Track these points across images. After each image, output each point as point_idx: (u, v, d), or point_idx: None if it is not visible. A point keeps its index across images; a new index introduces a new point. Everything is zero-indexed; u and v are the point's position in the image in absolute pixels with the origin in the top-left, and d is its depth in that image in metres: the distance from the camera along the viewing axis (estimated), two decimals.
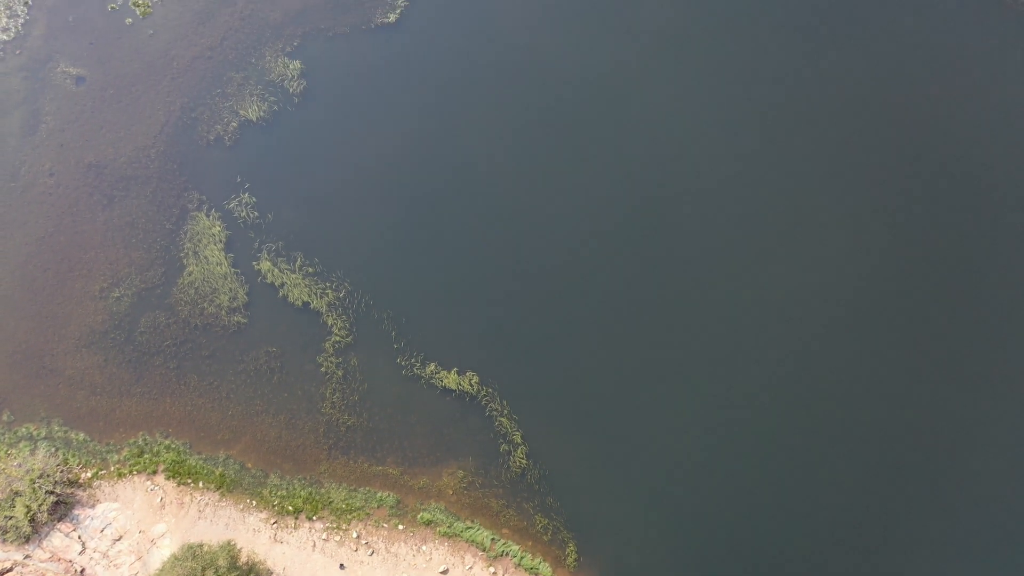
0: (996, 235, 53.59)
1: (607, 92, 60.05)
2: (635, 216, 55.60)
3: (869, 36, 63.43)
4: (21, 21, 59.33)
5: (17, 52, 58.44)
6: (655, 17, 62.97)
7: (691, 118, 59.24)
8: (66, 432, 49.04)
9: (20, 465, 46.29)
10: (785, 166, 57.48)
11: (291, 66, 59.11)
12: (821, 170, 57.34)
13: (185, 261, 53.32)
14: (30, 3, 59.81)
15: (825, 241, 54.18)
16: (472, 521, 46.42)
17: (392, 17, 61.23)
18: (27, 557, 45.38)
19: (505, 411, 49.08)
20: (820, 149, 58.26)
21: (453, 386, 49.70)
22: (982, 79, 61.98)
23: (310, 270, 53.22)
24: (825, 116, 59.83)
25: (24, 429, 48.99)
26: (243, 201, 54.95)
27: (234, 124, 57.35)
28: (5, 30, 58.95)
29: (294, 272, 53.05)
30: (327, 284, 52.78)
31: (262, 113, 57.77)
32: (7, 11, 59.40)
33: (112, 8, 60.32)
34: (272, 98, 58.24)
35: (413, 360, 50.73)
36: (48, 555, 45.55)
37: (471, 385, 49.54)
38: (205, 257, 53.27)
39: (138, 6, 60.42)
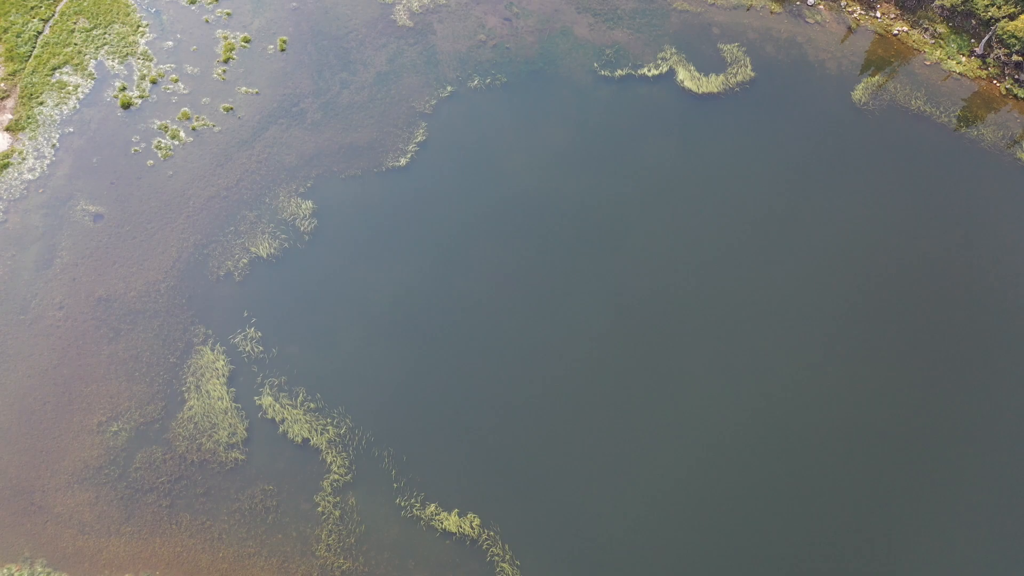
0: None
1: (606, 232, 61.68)
2: (637, 355, 55.80)
3: (866, 180, 65.87)
4: (47, 162, 61.88)
5: (40, 191, 60.61)
6: (654, 159, 65.65)
7: (689, 256, 60.63)
8: (49, 574, 46.99)
9: None
10: (781, 305, 58.24)
11: (303, 206, 61.05)
12: (821, 319, 58.06)
13: (186, 395, 52.94)
14: (57, 145, 62.61)
15: (825, 387, 54.02)
16: None
17: (403, 161, 63.83)
18: None
19: (507, 556, 47.16)
20: (819, 295, 59.24)
21: (453, 528, 48.03)
22: (979, 225, 63.76)
23: (312, 406, 52.71)
24: (822, 256, 61.17)
25: (5, 570, 46.99)
26: (248, 336, 55.23)
27: (244, 260, 58.53)
28: (31, 170, 61.40)
29: (295, 407, 52.52)
30: (328, 420, 52.12)
31: (272, 250, 59.09)
32: (35, 152, 62.12)
33: (135, 151, 63.06)
34: (283, 236, 59.76)
35: (413, 500, 49.30)
36: None
37: (472, 528, 47.87)
38: (207, 391, 52.92)
39: (160, 149, 63.19)
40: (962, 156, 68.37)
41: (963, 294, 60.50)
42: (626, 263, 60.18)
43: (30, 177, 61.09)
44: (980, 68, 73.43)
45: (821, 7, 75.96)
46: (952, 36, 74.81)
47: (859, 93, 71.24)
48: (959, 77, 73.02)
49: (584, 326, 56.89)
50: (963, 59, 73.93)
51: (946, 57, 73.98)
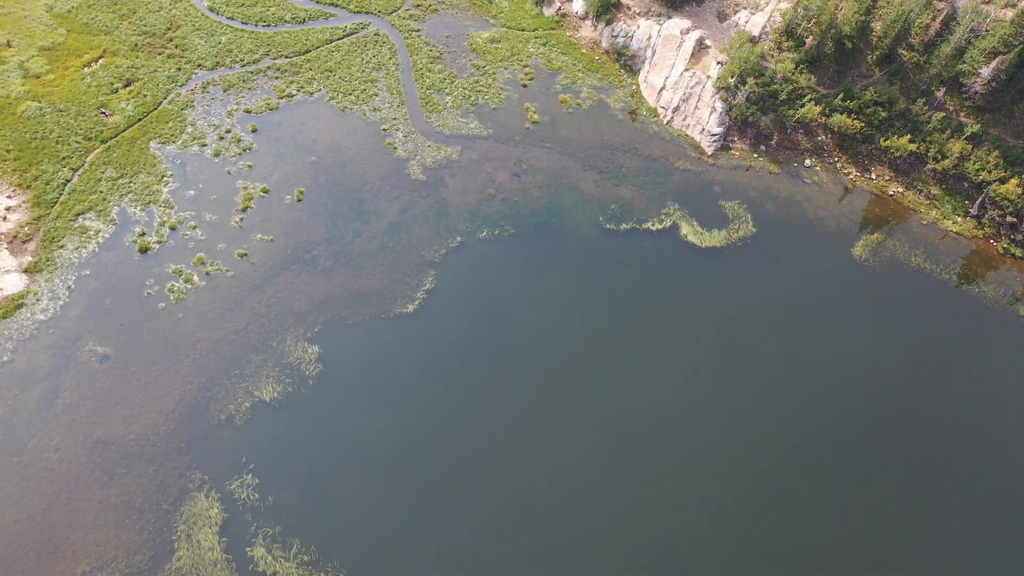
0: None
1: (611, 382, 61.28)
2: (640, 504, 53.97)
3: (871, 334, 65.93)
4: (61, 303, 62.80)
5: (50, 331, 61.13)
6: (659, 310, 66.18)
7: (696, 408, 59.92)
8: None
9: None
10: (778, 458, 56.89)
11: (309, 351, 61.21)
12: (820, 474, 56.66)
13: (176, 544, 50.90)
14: (73, 287, 63.77)
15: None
16: None
17: (411, 308, 64.56)
18: None
19: None
20: (820, 450, 58.05)
21: None
22: (987, 381, 63.19)
23: (305, 559, 50.49)
24: (828, 410, 60.35)
25: None
26: (245, 482, 53.80)
27: (247, 404, 58.00)
28: (44, 311, 62.24)
29: (288, 560, 50.29)
30: (322, 574, 49.76)
31: (276, 394, 58.68)
32: (50, 293, 63.19)
33: (148, 294, 64.10)
34: (288, 380, 59.52)
35: None
36: None
37: None
38: (197, 541, 50.92)
39: (172, 292, 64.24)
40: (966, 313, 68.88)
41: (971, 453, 59.16)
42: (630, 415, 59.39)
43: (42, 317, 61.79)
44: (976, 228, 75.34)
45: (818, 169, 79.08)
46: (946, 197, 77.31)
47: (859, 250, 72.79)
48: (956, 236, 74.80)
49: (588, 476, 55.40)
50: (959, 219, 76.01)
51: (942, 217, 76.14)
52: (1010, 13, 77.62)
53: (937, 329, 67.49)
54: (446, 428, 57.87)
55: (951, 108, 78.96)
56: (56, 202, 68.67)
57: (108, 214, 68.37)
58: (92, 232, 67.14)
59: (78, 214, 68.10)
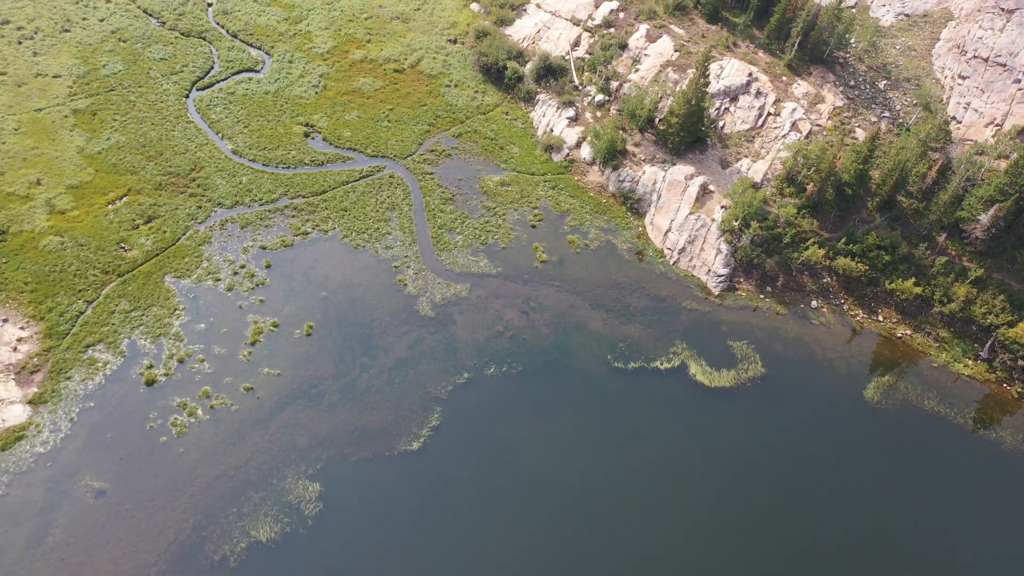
0: None
1: (617, 523, 59.11)
2: None
3: (886, 479, 64.03)
4: (62, 436, 62.00)
5: (48, 464, 60.01)
6: (668, 451, 64.72)
7: (702, 553, 57.45)
8: None
9: None
10: None
11: (310, 488, 59.66)
12: None
13: None
14: (75, 419, 63.15)
15: None
16: None
17: (416, 445, 63.41)
18: None
19: None
20: None
21: None
22: (1012, 530, 60.75)
23: None
24: (839, 557, 57.71)
25: None
26: None
27: (243, 544, 55.93)
28: (44, 443, 61.37)
29: None
30: None
31: (273, 534, 56.68)
32: (51, 425, 62.54)
33: (151, 427, 63.34)
34: (286, 519, 57.65)
35: None
36: None
37: None
38: None
39: (175, 426, 63.47)
40: (984, 458, 67.16)
41: None
42: (638, 558, 56.90)
43: (41, 450, 60.83)
44: (988, 372, 74.68)
45: (824, 310, 79.50)
46: (955, 340, 77.14)
47: (871, 392, 71.95)
48: (968, 380, 74.04)
49: None
50: (970, 362, 75.48)
51: (953, 360, 75.66)
52: (1003, 164, 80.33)
53: (955, 475, 65.59)
54: (448, 572, 55.34)
55: (953, 253, 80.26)
56: (68, 334, 69.21)
57: (118, 346, 68.70)
58: (100, 364, 67.24)
59: (88, 346, 68.46)
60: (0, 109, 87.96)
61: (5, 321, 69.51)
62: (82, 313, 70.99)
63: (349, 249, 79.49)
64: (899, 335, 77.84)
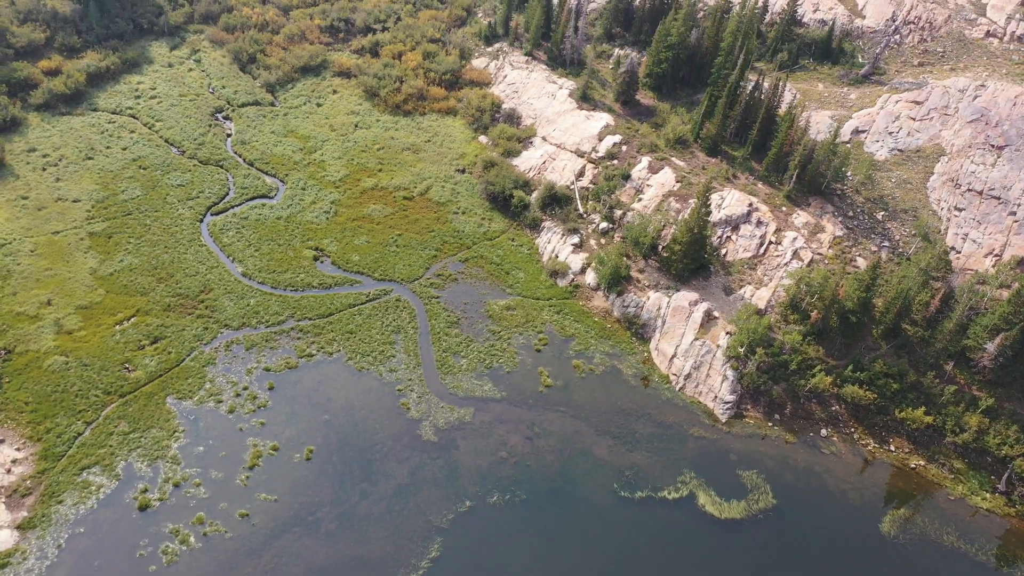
0: None
1: None
2: None
3: None
4: (48, 563, 59.75)
5: None
6: None
7: None
8: None
9: None
10: None
11: None
12: None
13: None
14: (63, 546, 61.04)
15: None
16: None
17: None
18: None
19: None
20: None
21: None
22: None
23: None
24: None
25: None
26: None
27: None
28: (29, 571, 59.05)
29: None
30: None
31: None
32: (38, 552, 60.39)
33: (141, 555, 61.12)
34: None
35: None
36: None
37: None
38: None
39: (166, 554, 61.23)
40: None
41: None
42: None
43: None
44: (1007, 505, 72.36)
45: (835, 439, 77.98)
46: (971, 472, 75.18)
47: (887, 526, 69.53)
48: (988, 513, 71.65)
49: None
50: (987, 495, 73.26)
51: (970, 492, 73.45)
52: (1005, 293, 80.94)
53: None
54: None
55: (962, 381, 79.53)
56: (64, 455, 68.02)
57: (114, 469, 67.33)
58: (94, 487, 65.70)
59: (83, 468, 67.11)
60: (19, 231, 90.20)
61: (1, 442, 68.51)
62: (80, 434, 70.04)
63: (353, 372, 79.19)
64: (912, 466, 75.96)
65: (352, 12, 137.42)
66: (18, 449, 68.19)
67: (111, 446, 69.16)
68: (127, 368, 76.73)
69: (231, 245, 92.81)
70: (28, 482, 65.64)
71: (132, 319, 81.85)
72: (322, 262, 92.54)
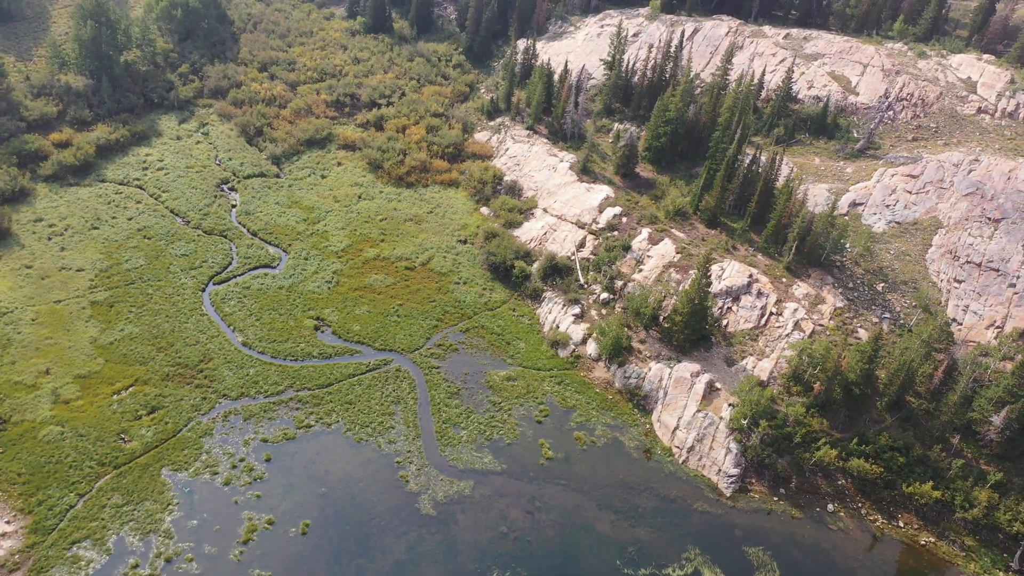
0: None
1: None
2: None
3: None
4: None
5: None
6: None
7: None
8: None
9: None
10: None
11: None
12: None
13: None
14: None
15: None
16: None
17: None
18: None
19: None
20: None
21: None
22: None
23: None
24: None
25: None
26: None
27: None
28: None
29: None
30: None
31: None
32: None
33: None
34: None
35: None
36: None
37: None
38: None
39: None
40: None
41: None
42: None
43: None
44: None
45: (842, 514, 76.36)
46: (983, 549, 73.35)
47: None
48: None
49: None
50: (1001, 574, 71.28)
51: (982, 571, 71.50)
52: (1009, 365, 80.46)
53: None
54: None
55: (969, 455, 78.37)
56: (54, 528, 66.58)
57: (105, 543, 65.80)
58: (84, 562, 64.09)
59: (74, 542, 65.59)
60: (21, 300, 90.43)
61: None
62: (72, 507, 68.70)
63: (352, 443, 78.19)
64: (922, 542, 74.15)
65: (358, 87, 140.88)
66: (8, 522, 66.78)
67: (103, 519, 67.77)
68: (123, 439, 75.81)
69: (232, 314, 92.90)
70: (16, 557, 64.07)
71: (130, 388, 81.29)
72: (323, 332, 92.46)
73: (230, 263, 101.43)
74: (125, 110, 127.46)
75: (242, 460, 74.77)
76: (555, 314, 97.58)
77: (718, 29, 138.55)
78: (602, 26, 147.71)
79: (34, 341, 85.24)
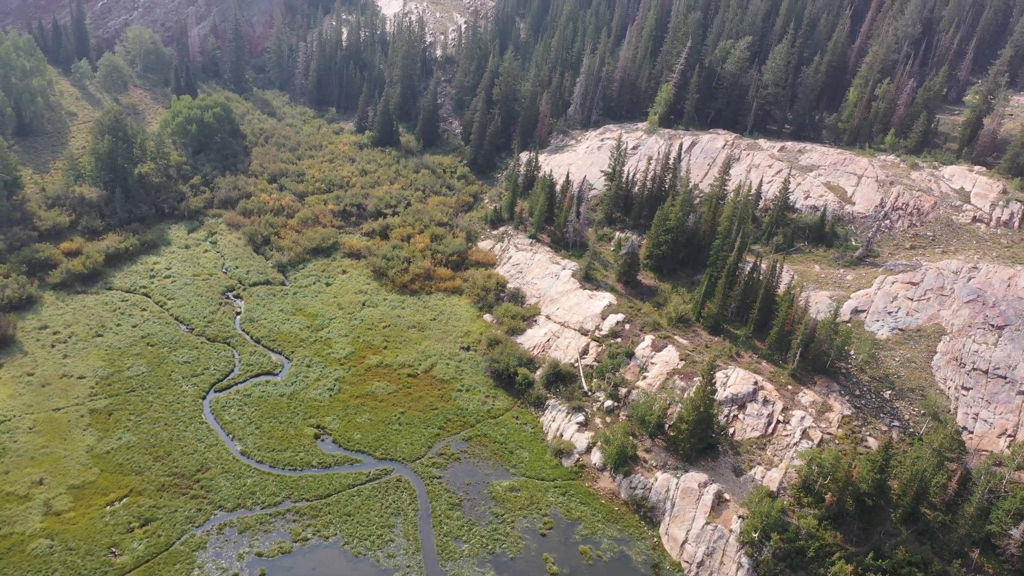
0: None
1: None
2: None
3: None
4: None
5: None
6: None
7: None
8: None
9: None
10: None
11: None
12: None
13: None
14: None
15: None
16: None
17: None
18: None
19: None
20: None
21: None
22: None
23: None
24: None
25: None
26: None
27: None
28: None
29: None
30: None
31: None
32: None
33: None
34: None
35: None
36: None
37: None
38: None
39: None
40: None
41: None
42: None
43: None
44: None
45: None
46: None
47: None
48: None
49: None
50: None
51: None
52: (1023, 476, 78.59)
53: None
54: None
55: (991, 571, 75.37)
56: None
57: None
58: None
59: None
60: (20, 408, 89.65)
61: None
62: None
63: (349, 557, 75.60)
64: None
65: (364, 198, 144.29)
66: None
67: None
68: (113, 552, 73.49)
69: (232, 423, 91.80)
70: None
71: (124, 499, 79.41)
72: (323, 440, 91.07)
73: (232, 370, 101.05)
74: (136, 220, 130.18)
75: (236, 575, 72.16)
76: (559, 422, 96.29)
77: (715, 142, 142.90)
78: (602, 139, 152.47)
79: (30, 450, 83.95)
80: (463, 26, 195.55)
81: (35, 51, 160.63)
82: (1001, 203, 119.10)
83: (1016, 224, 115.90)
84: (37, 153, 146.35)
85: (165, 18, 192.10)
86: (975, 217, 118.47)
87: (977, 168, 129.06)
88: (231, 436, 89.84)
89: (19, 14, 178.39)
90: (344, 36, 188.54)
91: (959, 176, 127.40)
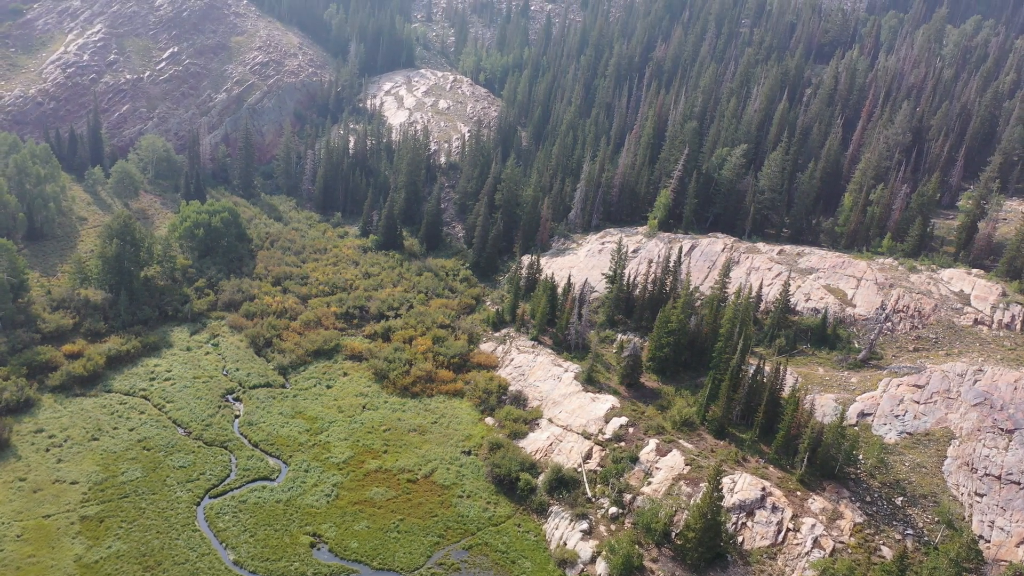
0: None
1: None
2: None
3: None
4: None
5: None
6: None
7: None
8: None
9: None
10: None
11: None
12: None
13: None
14: None
15: None
16: None
17: None
18: None
19: None
20: None
21: None
22: None
23: None
24: None
25: None
26: None
27: None
28: None
29: None
30: None
31: None
32: None
33: None
34: None
35: None
36: None
37: None
38: None
39: None
40: None
41: None
42: None
43: None
44: None
45: None
46: None
47: None
48: None
49: None
50: None
51: None
52: None
53: None
54: None
55: None
56: None
57: None
58: None
59: None
60: (9, 515, 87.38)
61: None
62: None
63: None
64: None
65: (367, 300, 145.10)
66: None
67: None
68: None
69: (226, 530, 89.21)
70: None
71: None
72: (319, 548, 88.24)
73: (228, 475, 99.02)
74: (139, 322, 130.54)
75: None
76: (562, 530, 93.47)
77: (714, 246, 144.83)
78: (603, 243, 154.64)
79: (15, 560, 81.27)
80: (467, 134, 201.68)
81: (51, 158, 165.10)
82: (1001, 305, 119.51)
83: (1018, 327, 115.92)
84: (46, 257, 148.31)
85: (179, 127, 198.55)
86: (976, 319, 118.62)
87: (975, 271, 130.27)
88: (224, 544, 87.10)
89: (38, 124, 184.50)
90: (351, 144, 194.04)
91: (957, 279, 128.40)
